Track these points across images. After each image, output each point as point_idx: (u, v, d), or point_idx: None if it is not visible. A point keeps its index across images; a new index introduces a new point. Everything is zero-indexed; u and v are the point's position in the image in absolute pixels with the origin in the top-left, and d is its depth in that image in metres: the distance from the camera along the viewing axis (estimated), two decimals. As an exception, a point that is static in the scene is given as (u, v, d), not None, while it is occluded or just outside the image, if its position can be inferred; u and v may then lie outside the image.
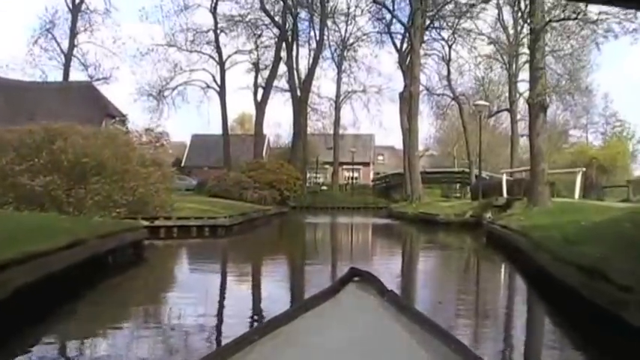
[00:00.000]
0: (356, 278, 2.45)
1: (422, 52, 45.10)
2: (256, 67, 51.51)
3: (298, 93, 50.86)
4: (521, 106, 53.40)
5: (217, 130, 56.04)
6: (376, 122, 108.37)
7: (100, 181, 18.31)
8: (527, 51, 49.70)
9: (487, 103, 36.89)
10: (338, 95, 59.67)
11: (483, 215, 26.70)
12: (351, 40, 57.10)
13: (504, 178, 27.89)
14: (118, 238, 12.41)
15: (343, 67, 58.41)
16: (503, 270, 14.87)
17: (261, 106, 49.43)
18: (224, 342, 3.47)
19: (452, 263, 16.71)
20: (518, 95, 49.70)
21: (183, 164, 69.45)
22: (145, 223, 19.87)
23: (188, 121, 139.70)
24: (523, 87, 50.41)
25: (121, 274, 12.08)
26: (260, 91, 50.59)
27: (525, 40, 48.65)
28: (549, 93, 19.81)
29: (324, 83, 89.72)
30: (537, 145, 19.54)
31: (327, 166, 64.50)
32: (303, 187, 52.30)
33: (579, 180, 24.13)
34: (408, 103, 41.72)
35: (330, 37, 56.94)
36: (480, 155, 31.73)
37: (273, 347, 1.96)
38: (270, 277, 12.89)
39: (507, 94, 49.97)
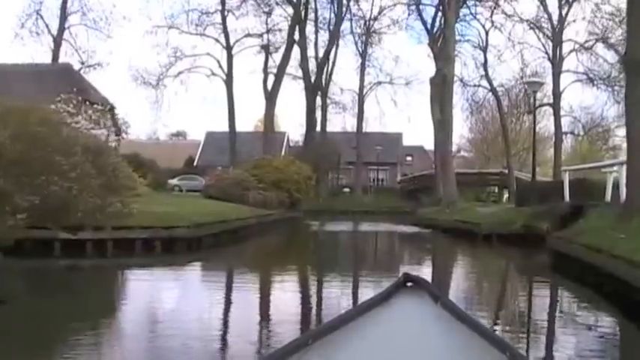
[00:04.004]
0: (409, 284, 2.37)
1: (456, 36, 38.86)
2: (266, 50, 45.31)
3: (312, 79, 44.67)
4: (565, 100, 47.41)
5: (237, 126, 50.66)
6: (404, 117, 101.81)
7: (-14, 173, 12.39)
8: (572, 37, 44.78)
9: (543, 81, 30.43)
10: (361, 87, 53.74)
11: (540, 226, 20.46)
12: (375, 24, 50.98)
13: (566, 177, 21.42)
14: None
15: (367, 55, 52.31)
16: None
17: (271, 96, 43.14)
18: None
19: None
20: (562, 88, 44.10)
21: (195, 163, 64.82)
22: (64, 235, 14.09)
23: (208, 118, 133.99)
24: (567, 79, 44.72)
25: None
26: (271, 79, 44.34)
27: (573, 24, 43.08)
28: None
29: (347, 75, 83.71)
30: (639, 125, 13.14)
31: (350, 166, 58.33)
32: (321, 187, 46.35)
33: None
34: (440, 89, 35.30)
35: (353, 21, 51.23)
36: (534, 150, 25.25)
37: (326, 352, 1.98)
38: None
39: (551, 87, 43.71)
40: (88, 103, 30.38)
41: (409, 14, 47.75)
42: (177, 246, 15.68)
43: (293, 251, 20.57)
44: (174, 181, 47.27)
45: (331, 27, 47.13)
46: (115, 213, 14.90)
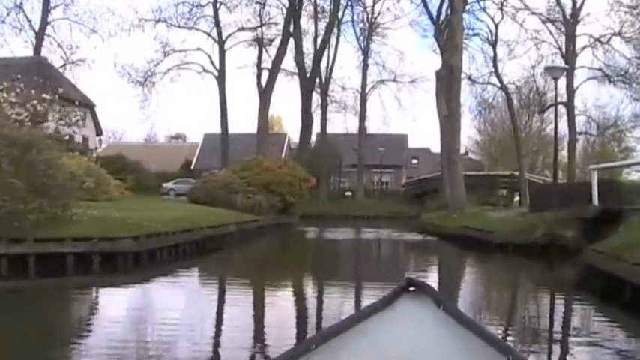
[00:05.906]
0: (412, 288, 2.35)
1: (464, 29, 35.84)
2: (260, 44, 42.33)
3: (307, 73, 41.81)
4: (579, 98, 44.29)
5: (236, 128, 48.70)
6: (410, 118, 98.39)
7: None
8: (587, 30, 41.98)
9: (566, 66, 27.34)
10: (364, 85, 50.93)
11: (565, 235, 17.50)
12: (378, 18, 48.21)
13: (595, 178, 18.36)
14: None
15: (370, 51, 49.66)
16: None
17: (265, 92, 40.18)
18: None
19: None
20: (576, 85, 41.11)
21: (193, 167, 62.28)
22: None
23: (208, 120, 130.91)
24: (581, 77, 41.77)
25: None
26: (265, 74, 41.41)
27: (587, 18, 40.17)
28: None
29: (349, 73, 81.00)
30: None
31: (353, 169, 55.49)
32: (320, 191, 43.60)
33: None
34: (447, 83, 32.28)
35: (355, 13, 48.52)
36: (555, 147, 22.03)
37: (329, 355, 1.96)
38: None
39: (564, 85, 40.66)
40: (57, 97, 27.56)
41: (412, 1, 44.90)
42: (122, 262, 12.65)
43: (268, 270, 16.53)
44: (169, 185, 45.03)
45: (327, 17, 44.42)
46: (41, 220, 11.96)
